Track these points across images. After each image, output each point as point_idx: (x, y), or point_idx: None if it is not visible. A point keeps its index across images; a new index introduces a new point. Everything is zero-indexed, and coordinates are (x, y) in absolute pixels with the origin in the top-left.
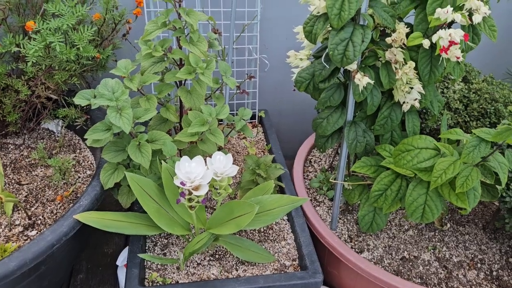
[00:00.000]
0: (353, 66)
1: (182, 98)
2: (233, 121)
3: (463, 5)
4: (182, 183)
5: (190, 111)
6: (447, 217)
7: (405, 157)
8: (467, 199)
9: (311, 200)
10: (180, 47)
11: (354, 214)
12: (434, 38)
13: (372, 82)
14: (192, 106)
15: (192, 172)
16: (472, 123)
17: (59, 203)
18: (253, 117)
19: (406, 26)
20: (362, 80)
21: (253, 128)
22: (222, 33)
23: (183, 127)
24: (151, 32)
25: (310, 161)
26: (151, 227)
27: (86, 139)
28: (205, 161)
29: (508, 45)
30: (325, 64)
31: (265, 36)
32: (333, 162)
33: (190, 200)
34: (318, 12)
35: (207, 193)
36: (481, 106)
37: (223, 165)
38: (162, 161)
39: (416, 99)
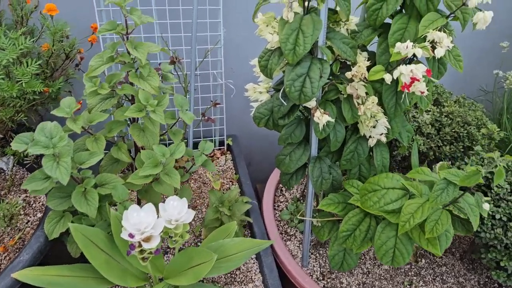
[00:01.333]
0: (312, 103)
1: (134, 137)
2: (192, 157)
3: (425, 36)
4: (130, 235)
5: (143, 150)
6: (421, 250)
7: (372, 197)
8: (438, 243)
9: (281, 233)
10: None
11: (327, 248)
12: (395, 74)
13: (332, 120)
14: (146, 145)
15: (142, 223)
16: (445, 147)
17: (3, 254)
18: (222, 143)
19: (367, 59)
20: (321, 118)
21: (221, 155)
22: (184, 59)
23: (137, 167)
24: (96, 68)
25: (282, 190)
26: (101, 280)
27: None
28: (157, 208)
29: (478, 62)
30: (282, 101)
31: (231, 59)
32: (305, 190)
33: (141, 251)
34: (272, 46)
35: (162, 240)
36: (453, 130)
37: (177, 212)
38: (112, 208)
39: (382, 133)
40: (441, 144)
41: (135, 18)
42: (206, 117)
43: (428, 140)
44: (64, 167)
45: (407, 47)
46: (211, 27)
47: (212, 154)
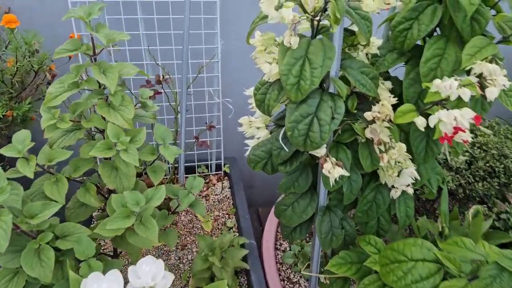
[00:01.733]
0: (321, 152)
1: (104, 178)
2: (177, 197)
3: (471, 68)
4: None
5: (115, 194)
6: None
7: (395, 270)
8: None
9: (283, 280)
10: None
11: None
12: (432, 121)
13: (347, 173)
14: (119, 188)
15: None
16: (477, 184)
17: None
18: (219, 167)
19: (391, 96)
20: (333, 172)
21: (217, 181)
22: (175, 75)
23: (109, 213)
24: (56, 96)
25: None
26: None
27: None
28: (125, 275)
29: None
30: (283, 145)
31: (228, 75)
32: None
33: None
34: (270, 79)
35: None
36: (487, 164)
37: (151, 277)
38: (71, 270)
39: (409, 184)
40: (473, 181)
41: (101, 38)
42: (199, 141)
43: (458, 175)
44: (3, 229)
45: (450, 87)
46: (207, 39)
47: (207, 180)
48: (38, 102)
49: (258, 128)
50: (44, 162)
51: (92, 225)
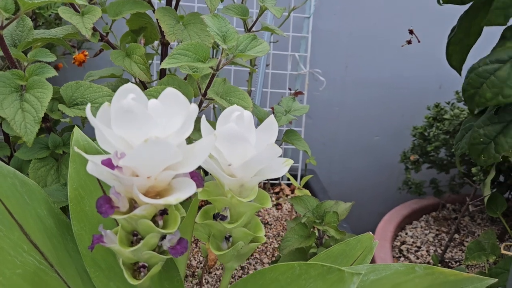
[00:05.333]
0: None
1: None
2: None
3: None
4: (107, 163)
5: None
6: None
7: None
8: None
9: None
10: None
11: None
12: None
13: None
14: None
15: (149, 125)
16: None
17: None
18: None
19: None
20: None
21: (291, 193)
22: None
23: None
24: None
25: (400, 249)
26: None
27: None
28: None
29: None
30: None
31: (318, 37)
32: (447, 249)
33: (134, 236)
34: None
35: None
36: None
37: (251, 142)
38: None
39: None
40: None
41: None
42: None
43: None
44: None
45: None
46: None
47: (277, 189)
48: None
49: None
50: None
51: None
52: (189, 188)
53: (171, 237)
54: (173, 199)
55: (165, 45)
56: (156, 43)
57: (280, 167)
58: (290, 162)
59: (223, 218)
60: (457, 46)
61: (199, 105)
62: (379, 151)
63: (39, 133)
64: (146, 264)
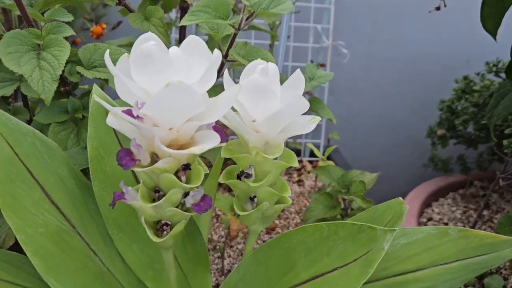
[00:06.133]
0: None
1: None
2: None
3: None
4: (127, 112)
5: None
6: None
7: None
8: None
9: None
10: None
11: None
12: None
13: None
14: None
15: (169, 70)
16: None
17: None
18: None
19: None
20: None
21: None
22: None
23: None
24: None
25: (427, 226)
26: None
27: None
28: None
29: None
30: None
31: (342, 9)
32: (476, 225)
33: (156, 192)
34: None
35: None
36: None
37: (276, 94)
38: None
39: None
40: None
41: None
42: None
43: None
44: None
45: None
46: None
47: (299, 166)
48: None
49: None
50: None
51: None
52: (213, 140)
53: (194, 194)
54: (197, 149)
55: (184, 9)
56: (174, 16)
57: (307, 123)
58: (317, 119)
59: (248, 176)
60: (493, 8)
61: (220, 69)
62: (404, 126)
63: (58, 97)
64: (169, 222)
